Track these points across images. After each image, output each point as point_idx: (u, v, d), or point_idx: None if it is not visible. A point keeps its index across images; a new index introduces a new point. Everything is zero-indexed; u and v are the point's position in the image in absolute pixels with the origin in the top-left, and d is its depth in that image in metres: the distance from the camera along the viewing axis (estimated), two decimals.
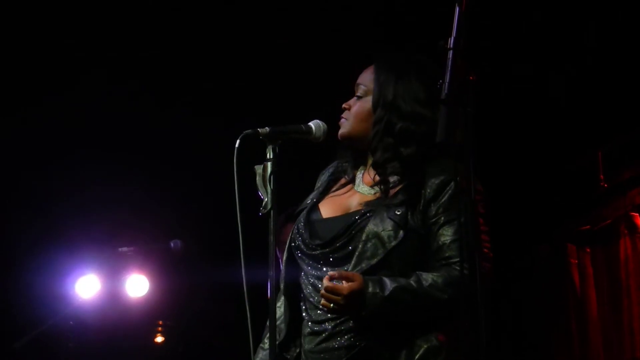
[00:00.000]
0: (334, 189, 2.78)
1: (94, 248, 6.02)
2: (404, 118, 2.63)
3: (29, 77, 5.53)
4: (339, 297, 2.42)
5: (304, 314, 2.65)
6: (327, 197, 2.76)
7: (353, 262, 2.53)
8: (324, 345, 2.56)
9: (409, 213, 2.54)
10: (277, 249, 4.17)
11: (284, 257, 2.72)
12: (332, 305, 2.44)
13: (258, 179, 2.53)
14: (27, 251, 6.21)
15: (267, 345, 2.70)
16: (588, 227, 5.82)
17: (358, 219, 2.58)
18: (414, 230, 2.53)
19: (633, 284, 5.38)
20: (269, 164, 2.52)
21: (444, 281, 2.46)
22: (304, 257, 2.66)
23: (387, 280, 2.45)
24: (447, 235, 2.52)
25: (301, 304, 2.67)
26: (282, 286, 2.72)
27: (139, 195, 6.18)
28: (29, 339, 5.10)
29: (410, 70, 2.69)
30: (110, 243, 5.91)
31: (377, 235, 2.52)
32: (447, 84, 2.15)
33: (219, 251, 5.40)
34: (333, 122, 2.75)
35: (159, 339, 7.44)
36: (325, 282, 2.45)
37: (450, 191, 2.53)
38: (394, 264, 2.50)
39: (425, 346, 2.48)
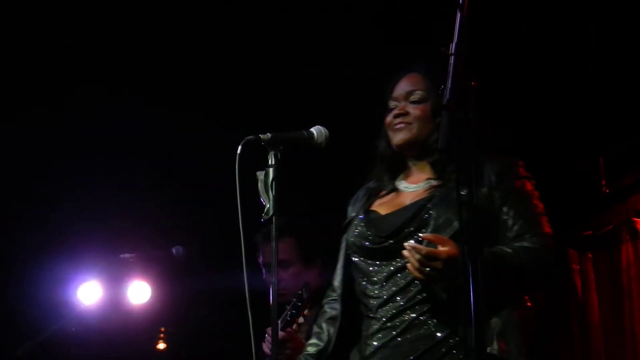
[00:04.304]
0: (376, 200, 2.81)
1: (96, 255, 6.01)
2: None
3: (28, 82, 5.53)
4: (438, 262, 2.42)
5: (369, 314, 2.68)
6: (374, 204, 2.79)
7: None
8: (399, 338, 2.57)
9: (473, 193, 2.60)
10: (262, 269, 4.17)
11: (340, 264, 2.76)
12: (427, 270, 2.42)
13: (260, 185, 2.53)
14: (28, 258, 6.21)
15: (311, 351, 2.84)
16: (590, 232, 5.80)
17: (425, 203, 2.64)
18: (482, 208, 2.59)
19: (635, 289, 5.36)
20: (271, 170, 2.53)
21: (525, 249, 2.53)
22: (368, 257, 2.69)
23: None
24: (514, 216, 2.60)
25: (364, 306, 2.70)
26: (338, 292, 2.82)
27: (140, 201, 6.18)
28: (31, 346, 5.09)
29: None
30: (112, 249, 5.90)
31: (447, 213, 2.57)
32: (448, 89, 2.15)
33: (221, 257, 5.39)
34: (334, 127, 2.76)
35: (161, 345, 7.42)
36: (421, 246, 2.44)
37: (510, 176, 2.67)
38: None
39: (501, 323, 2.51)
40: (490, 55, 4.77)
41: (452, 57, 2.16)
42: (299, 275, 3.95)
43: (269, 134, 2.55)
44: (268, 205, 2.49)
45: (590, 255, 5.87)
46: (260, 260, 4.25)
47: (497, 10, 4.58)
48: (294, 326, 3.54)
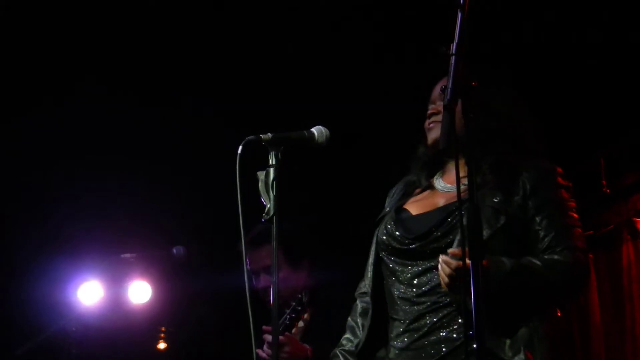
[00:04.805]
0: (411, 197, 2.82)
1: (97, 254, 6.01)
2: (494, 118, 2.72)
3: (28, 82, 5.52)
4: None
5: (394, 315, 2.68)
6: (407, 202, 2.78)
7: (454, 247, 2.53)
8: (422, 341, 2.58)
9: (507, 200, 2.59)
10: (252, 275, 4.16)
11: (371, 261, 2.76)
12: (457, 283, 2.41)
13: (261, 185, 2.53)
14: (29, 258, 6.21)
15: (347, 346, 2.81)
16: (590, 232, 5.79)
17: (456, 208, 2.60)
18: (514, 216, 2.57)
19: (635, 289, 5.36)
20: (272, 170, 2.52)
21: (555, 262, 2.51)
22: (396, 256, 2.68)
23: (504, 258, 2.45)
24: (547, 227, 2.57)
25: (390, 306, 2.70)
26: (369, 289, 2.80)
27: (141, 201, 6.18)
28: (32, 346, 5.09)
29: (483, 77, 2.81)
30: (113, 249, 5.90)
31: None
32: (449, 89, 2.15)
33: (222, 257, 5.40)
34: (334, 128, 2.75)
35: (162, 345, 7.43)
36: (451, 260, 2.42)
37: (546, 186, 2.62)
38: (495, 249, 2.51)
39: (528, 333, 2.53)
40: (489, 55, 4.77)
41: (453, 57, 2.16)
42: (287, 279, 3.92)
43: (269, 133, 2.55)
44: (269, 205, 2.49)
45: (590, 256, 5.84)
46: (248, 267, 4.24)
47: (497, 7, 4.58)
48: (293, 330, 3.53)
